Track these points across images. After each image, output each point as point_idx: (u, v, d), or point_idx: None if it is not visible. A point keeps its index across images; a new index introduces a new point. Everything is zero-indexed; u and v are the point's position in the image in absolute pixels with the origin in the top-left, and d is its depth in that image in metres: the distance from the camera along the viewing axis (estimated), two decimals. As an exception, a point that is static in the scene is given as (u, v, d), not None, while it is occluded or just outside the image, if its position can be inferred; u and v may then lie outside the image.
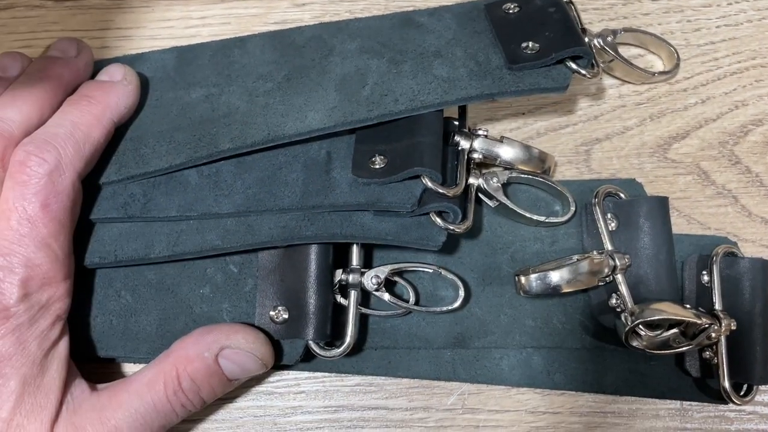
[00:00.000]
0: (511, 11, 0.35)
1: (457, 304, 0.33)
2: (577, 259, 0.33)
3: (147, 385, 0.29)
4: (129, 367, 0.34)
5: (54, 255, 0.29)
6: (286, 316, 0.32)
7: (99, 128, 0.31)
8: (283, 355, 0.32)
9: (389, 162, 0.32)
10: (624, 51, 0.38)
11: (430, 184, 0.31)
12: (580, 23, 0.35)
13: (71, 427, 0.28)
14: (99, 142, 0.31)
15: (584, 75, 0.33)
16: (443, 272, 0.34)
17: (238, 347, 0.30)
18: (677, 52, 0.38)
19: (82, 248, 0.32)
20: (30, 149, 0.29)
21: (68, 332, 0.30)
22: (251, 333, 0.31)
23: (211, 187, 0.33)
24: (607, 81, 0.39)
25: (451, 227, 0.31)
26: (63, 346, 0.30)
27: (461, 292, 0.34)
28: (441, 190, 0.31)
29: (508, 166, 0.35)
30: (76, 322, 0.32)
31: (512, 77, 0.32)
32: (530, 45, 0.33)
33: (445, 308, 0.34)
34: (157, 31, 0.39)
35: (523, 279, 0.32)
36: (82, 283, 0.33)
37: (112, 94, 0.33)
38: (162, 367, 0.30)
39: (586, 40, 0.35)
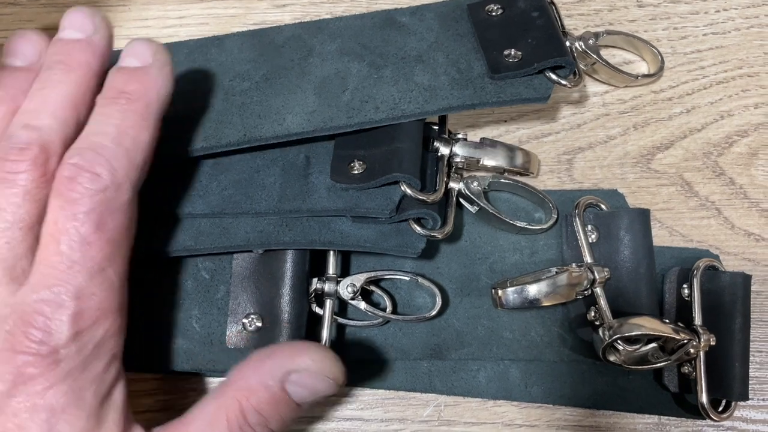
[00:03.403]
0: (494, 13, 0.34)
1: (434, 312, 0.33)
2: (556, 272, 0.32)
3: (209, 425, 0.26)
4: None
5: (109, 282, 0.26)
6: (259, 325, 0.31)
7: (147, 130, 0.27)
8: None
9: (368, 167, 0.31)
10: (608, 54, 0.38)
11: (408, 191, 0.30)
12: (562, 26, 0.35)
13: None
14: (149, 146, 0.27)
15: (565, 85, 0.32)
16: (420, 280, 0.33)
17: (306, 370, 0.27)
18: (661, 55, 0.38)
19: None
20: (79, 163, 0.25)
21: (125, 375, 0.27)
22: (318, 351, 0.28)
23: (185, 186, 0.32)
24: (591, 89, 0.38)
25: (431, 233, 0.31)
26: (120, 390, 0.26)
27: (438, 300, 0.33)
28: (420, 197, 0.30)
29: (491, 170, 0.35)
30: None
31: (494, 87, 0.32)
32: (512, 53, 0.32)
33: (422, 316, 0.33)
34: (134, 31, 0.38)
35: (500, 292, 0.32)
36: None
37: (150, 85, 0.28)
38: (223, 402, 0.27)
39: (568, 43, 0.34)
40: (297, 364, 0.27)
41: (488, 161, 0.34)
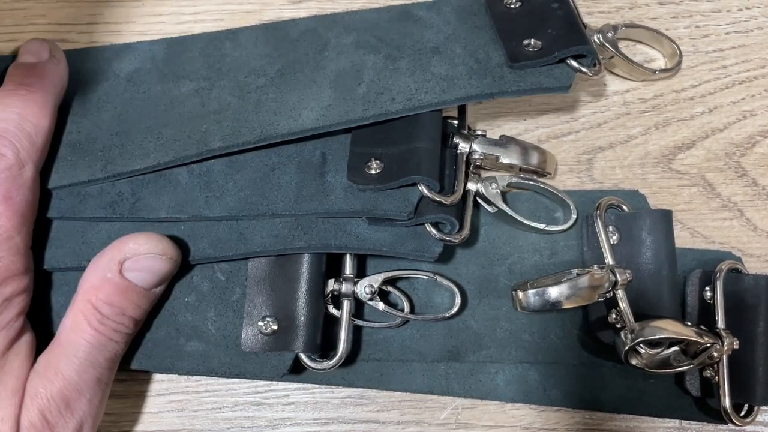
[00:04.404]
0: (512, 6, 0.34)
1: (453, 311, 0.33)
2: (577, 274, 0.32)
3: (72, 331, 0.29)
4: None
5: (16, 248, 0.29)
6: (275, 327, 0.31)
7: (46, 116, 0.31)
8: (270, 367, 0.31)
9: (385, 167, 0.31)
10: (627, 48, 0.37)
11: (426, 192, 0.30)
12: (580, 18, 0.34)
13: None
14: (48, 130, 0.31)
15: (586, 73, 0.32)
16: (439, 279, 0.33)
17: (135, 254, 0.29)
18: (679, 48, 0.37)
19: (69, 251, 0.32)
20: None
21: (31, 329, 0.30)
22: (141, 236, 0.30)
23: (202, 187, 0.32)
24: (611, 87, 0.38)
25: (447, 238, 0.30)
26: (26, 338, 0.29)
27: (458, 299, 0.33)
28: (438, 198, 0.30)
29: (509, 168, 0.34)
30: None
31: (513, 76, 0.31)
32: (532, 42, 0.32)
33: (441, 315, 0.33)
34: (148, 27, 0.38)
35: (521, 294, 0.31)
36: (63, 289, 0.32)
37: (46, 77, 0.32)
38: (77, 307, 0.29)
39: None
40: (125, 252, 0.29)
41: (506, 159, 0.34)
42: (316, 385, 0.34)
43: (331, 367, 0.31)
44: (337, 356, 0.31)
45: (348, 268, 0.32)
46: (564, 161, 0.36)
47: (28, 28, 0.38)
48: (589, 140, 0.37)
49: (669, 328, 0.31)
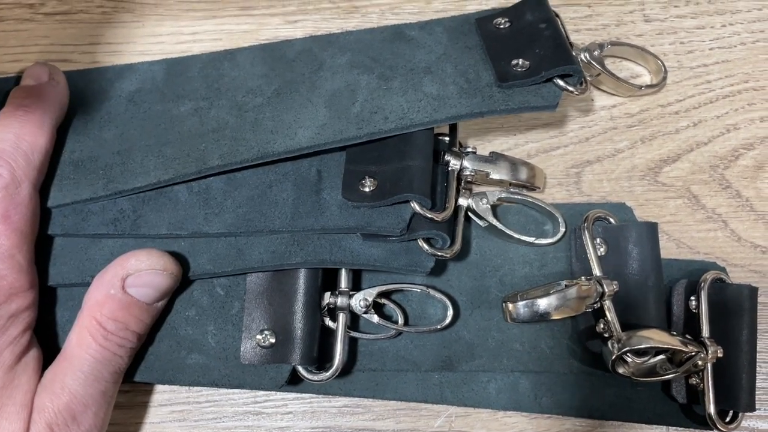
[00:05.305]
0: (501, 26, 0.35)
1: (446, 323, 0.33)
2: (566, 285, 0.32)
3: (78, 346, 0.29)
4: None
5: (18, 265, 0.30)
6: (273, 341, 0.32)
7: (43, 135, 0.32)
8: (268, 379, 0.32)
9: (379, 185, 0.31)
10: (613, 65, 0.38)
11: (418, 209, 0.31)
12: (567, 37, 0.35)
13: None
14: (46, 149, 0.32)
15: (572, 92, 0.33)
16: (431, 291, 0.34)
17: (137, 270, 0.30)
18: (664, 65, 0.38)
19: (73, 267, 0.32)
20: None
21: (37, 344, 0.31)
22: (142, 252, 0.31)
23: (201, 204, 0.32)
24: (599, 102, 0.39)
25: (439, 253, 0.31)
26: (33, 353, 0.30)
27: (450, 311, 0.33)
28: (430, 215, 0.31)
29: (499, 183, 0.35)
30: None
31: (502, 95, 0.32)
32: (520, 62, 0.33)
33: (434, 327, 0.34)
34: (148, 47, 0.39)
35: (510, 306, 0.32)
36: (68, 305, 0.33)
37: (45, 98, 0.33)
38: (82, 323, 0.30)
39: (574, 53, 0.35)
40: (127, 268, 0.30)
41: (496, 174, 0.35)
42: (314, 395, 0.35)
43: (327, 379, 0.32)
44: (333, 368, 0.32)
45: (343, 282, 0.33)
46: (553, 175, 0.37)
47: (31, 49, 0.39)
48: (577, 154, 0.38)
49: (655, 337, 0.32)
